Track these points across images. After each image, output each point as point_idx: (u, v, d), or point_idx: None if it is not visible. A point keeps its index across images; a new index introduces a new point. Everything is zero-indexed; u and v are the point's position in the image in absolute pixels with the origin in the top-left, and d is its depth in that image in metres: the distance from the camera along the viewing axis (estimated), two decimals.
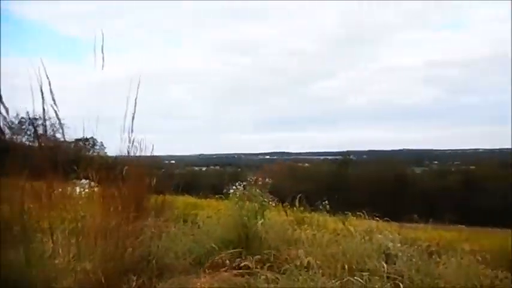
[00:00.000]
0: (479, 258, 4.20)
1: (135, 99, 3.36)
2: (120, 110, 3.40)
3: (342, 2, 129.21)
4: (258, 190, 4.86)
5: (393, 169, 50.54)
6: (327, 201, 5.88)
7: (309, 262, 3.38)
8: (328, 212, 6.57)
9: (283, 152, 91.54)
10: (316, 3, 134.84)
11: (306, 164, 65.62)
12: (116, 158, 3.98)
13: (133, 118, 3.38)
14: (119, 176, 3.48)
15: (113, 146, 3.70)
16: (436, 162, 68.26)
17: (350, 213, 6.96)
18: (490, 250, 7.06)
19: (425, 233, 6.85)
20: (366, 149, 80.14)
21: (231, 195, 4.95)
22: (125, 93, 3.48)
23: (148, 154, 4.00)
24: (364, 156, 72.62)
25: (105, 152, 4.99)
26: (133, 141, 3.60)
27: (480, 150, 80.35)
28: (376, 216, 6.71)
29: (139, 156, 3.85)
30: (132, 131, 3.42)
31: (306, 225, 5.20)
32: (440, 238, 6.67)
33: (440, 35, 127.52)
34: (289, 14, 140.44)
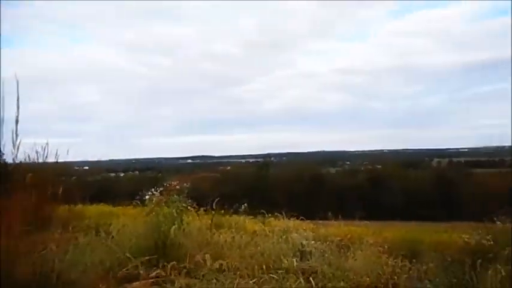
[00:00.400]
0: (381, 249, 4.60)
1: (17, 101, 3.02)
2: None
3: (259, 8, 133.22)
4: (175, 195, 4.74)
5: (310, 170, 53.31)
6: (246, 204, 5.97)
7: (224, 264, 3.38)
8: (247, 213, 6.70)
9: (206, 156, 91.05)
10: (235, 8, 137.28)
11: (229, 167, 66.08)
12: (13, 164, 3.55)
13: (17, 121, 3.02)
14: (16, 186, 3.12)
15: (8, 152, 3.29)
16: (348, 162, 73.57)
17: (269, 214, 7.16)
18: (392, 241, 7.83)
19: (337, 229, 7.33)
20: (285, 151, 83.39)
21: (146, 201, 4.74)
22: (25, 93, 3.14)
23: (57, 160, 3.65)
24: (284, 158, 75.52)
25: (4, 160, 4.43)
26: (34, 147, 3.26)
27: (385, 150, 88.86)
28: (294, 216, 7.01)
29: (44, 163, 3.50)
30: (17, 135, 3.05)
31: (225, 228, 5.21)
32: (350, 233, 7.20)
33: (347, 45, 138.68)
34: (209, 16, 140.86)
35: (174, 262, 3.53)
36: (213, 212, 5.59)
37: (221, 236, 4.44)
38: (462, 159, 70.04)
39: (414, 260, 5.04)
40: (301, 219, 6.31)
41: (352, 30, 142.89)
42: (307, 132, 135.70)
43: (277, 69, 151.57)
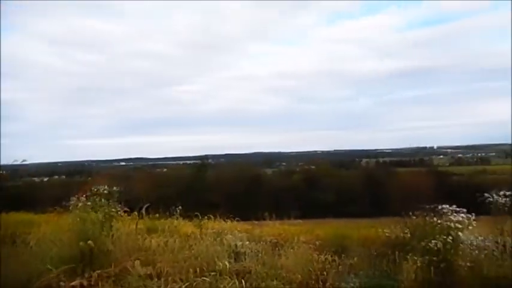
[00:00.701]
0: (312, 246, 4.77)
1: None
2: None
3: (197, 8, 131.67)
4: (104, 200, 4.49)
5: (248, 171, 53.84)
6: (180, 207, 5.84)
7: (156, 270, 3.28)
8: (183, 216, 6.55)
9: (141, 158, 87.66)
10: (171, 7, 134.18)
11: (165, 169, 64.33)
12: None
13: None
14: None
15: None
16: (284, 163, 75.56)
17: (206, 216, 7.08)
18: (323, 239, 8.17)
19: (272, 228, 7.46)
20: (223, 152, 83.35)
21: (71, 207, 4.43)
22: None
23: None
24: (222, 160, 75.38)
25: None
26: None
27: (319, 151, 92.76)
28: (230, 217, 7.01)
29: None
30: None
31: (158, 233, 5.05)
32: (284, 232, 7.37)
33: (284, 49, 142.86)
34: (144, 14, 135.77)
35: (101, 270, 3.34)
36: (146, 216, 5.40)
37: (153, 241, 4.29)
38: (387, 159, 75.59)
39: (343, 255, 5.30)
40: (237, 220, 6.33)
41: (289, 34, 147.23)
42: (245, 133, 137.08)
43: (216, 71, 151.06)
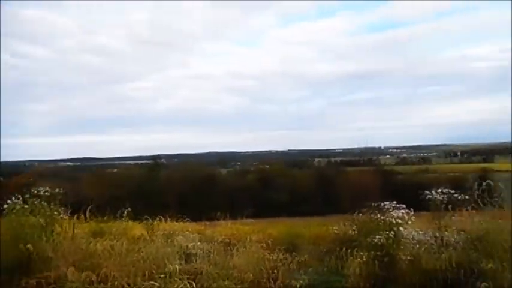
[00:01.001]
0: (263, 245, 4.82)
1: None
2: None
3: (150, 4, 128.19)
4: (45, 202, 4.21)
5: (201, 171, 53.26)
6: (129, 208, 5.63)
7: (99, 275, 3.13)
8: (133, 218, 6.33)
9: (89, 158, 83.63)
10: (123, 0, 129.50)
11: (115, 170, 61.85)
12: None
13: None
14: None
15: None
16: (239, 163, 75.68)
17: (158, 217, 6.91)
18: (275, 237, 8.27)
19: (224, 229, 7.44)
20: (177, 152, 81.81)
21: (5, 210, 4.09)
22: None
23: None
24: (175, 160, 73.92)
25: None
26: None
27: (273, 151, 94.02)
28: (182, 218, 6.89)
29: None
30: None
31: (105, 236, 4.84)
32: (237, 232, 7.39)
33: (241, 49, 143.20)
34: (95, 6, 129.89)
35: (39, 278, 3.13)
36: (93, 219, 5.14)
37: (98, 245, 4.10)
38: (338, 159, 78.27)
39: (294, 253, 5.40)
40: (189, 220, 6.23)
41: (246, 34, 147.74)
42: (199, 133, 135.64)
43: (170, 69, 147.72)
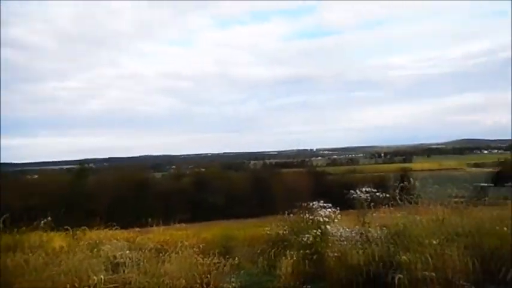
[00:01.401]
0: (196, 250, 4.73)
1: None
2: None
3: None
4: None
5: (134, 175, 51.06)
6: (49, 217, 5.18)
7: None
8: (54, 228, 5.84)
9: (5, 163, 75.70)
10: None
11: (36, 176, 56.77)
12: None
13: None
14: None
15: None
16: (173, 166, 73.89)
17: (82, 227, 6.46)
18: (210, 241, 8.21)
19: (156, 235, 7.17)
20: (107, 156, 77.61)
21: None
22: None
23: None
24: (105, 164, 70.00)
25: None
26: None
27: (209, 154, 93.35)
28: (110, 226, 6.51)
29: None
30: None
31: (18, 250, 4.38)
32: (170, 237, 7.17)
33: (175, 49, 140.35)
34: None
35: None
36: (5, 231, 4.63)
37: (9, 260, 3.70)
38: (273, 161, 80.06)
39: (228, 256, 5.38)
40: (117, 228, 5.91)
41: (180, 35, 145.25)
42: (132, 136, 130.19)
43: (98, 67, 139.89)
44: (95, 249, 4.42)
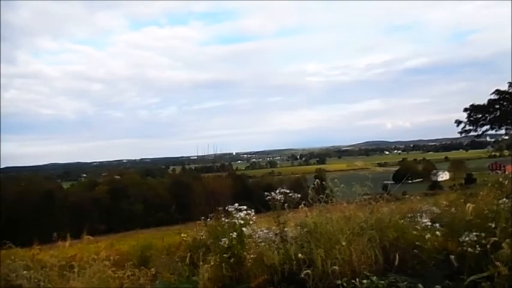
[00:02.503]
0: (108, 263, 4.43)
1: None
2: None
3: None
4: None
5: (37, 186, 46.37)
6: None
7: None
8: None
9: None
10: None
11: None
12: None
13: None
14: None
15: None
16: (84, 175, 68.71)
17: None
18: (125, 252, 7.76)
19: (63, 250, 6.57)
20: (3, 165, 69.06)
21: None
22: None
23: None
24: (0, 174, 62.20)
25: None
26: None
27: (124, 160, 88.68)
28: (7, 244, 5.79)
29: None
30: None
31: None
32: (79, 252, 6.61)
33: (82, 49, 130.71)
34: None
35: None
36: None
37: None
38: (193, 166, 78.92)
39: (143, 267, 5.14)
40: (10, 246, 5.26)
41: (90, 33, 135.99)
42: (35, 142, 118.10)
43: None
44: None
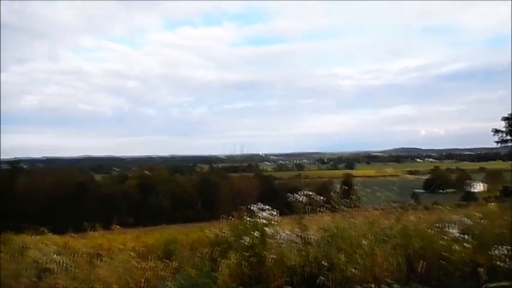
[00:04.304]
0: (133, 254, 4.57)
1: None
2: None
3: None
4: None
5: (73, 177, 48.30)
6: None
7: None
8: None
9: None
10: None
11: None
12: None
13: None
14: None
15: None
16: (115, 168, 70.88)
17: (9, 231, 6.01)
18: (151, 245, 7.97)
19: (93, 239, 6.86)
20: (42, 156, 72.55)
21: None
22: None
23: None
24: (40, 165, 65.37)
25: None
26: None
27: (154, 157, 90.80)
28: (41, 230, 6.10)
29: None
30: None
31: None
32: (107, 242, 6.86)
33: (119, 47, 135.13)
34: None
35: None
36: None
37: None
38: (220, 165, 79.75)
39: (166, 260, 5.27)
40: (46, 232, 5.55)
41: (127, 32, 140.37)
42: (71, 135, 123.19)
43: (34, 61, 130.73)
44: (19, 255, 4.11)
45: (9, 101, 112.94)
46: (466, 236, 4.22)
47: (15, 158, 54.43)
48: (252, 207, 4.42)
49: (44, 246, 4.38)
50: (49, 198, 41.65)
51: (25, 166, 55.10)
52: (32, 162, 64.20)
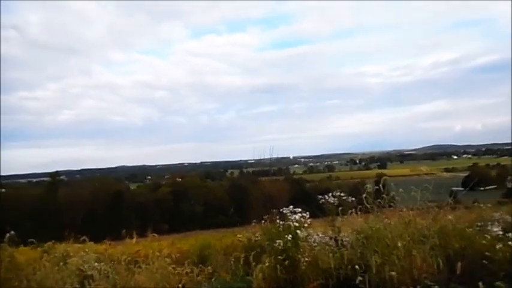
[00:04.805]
0: (168, 260, 4.67)
1: None
2: None
3: (46, 4, 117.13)
4: None
5: (108, 187, 49.92)
6: (12, 232, 5.00)
7: None
8: (19, 242, 5.65)
9: None
10: None
11: (3, 190, 54.58)
12: None
13: None
14: None
15: None
16: (149, 177, 72.65)
17: (52, 240, 6.28)
18: (185, 251, 8.10)
19: (130, 246, 7.03)
20: (79, 168, 75.52)
21: None
22: None
23: None
24: (77, 176, 68.08)
25: None
26: None
27: (185, 164, 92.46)
28: (81, 238, 6.34)
29: None
30: None
31: None
32: (144, 248, 7.03)
33: (148, 59, 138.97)
34: None
35: None
36: None
37: None
38: (251, 170, 79.93)
39: (201, 265, 5.34)
40: (85, 240, 5.75)
41: (153, 44, 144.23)
42: (105, 146, 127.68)
43: (70, 77, 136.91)
44: (62, 263, 4.29)
45: (46, 117, 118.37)
46: (510, 235, 4.02)
47: (54, 170, 56.95)
48: (283, 211, 4.41)
49: (84, 254, 4.55)
50: (87, 208, 43.27)
51: (64, 178, 57.58)
52: (70, 174, 67.03)
